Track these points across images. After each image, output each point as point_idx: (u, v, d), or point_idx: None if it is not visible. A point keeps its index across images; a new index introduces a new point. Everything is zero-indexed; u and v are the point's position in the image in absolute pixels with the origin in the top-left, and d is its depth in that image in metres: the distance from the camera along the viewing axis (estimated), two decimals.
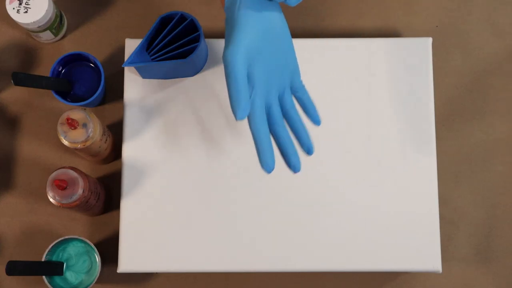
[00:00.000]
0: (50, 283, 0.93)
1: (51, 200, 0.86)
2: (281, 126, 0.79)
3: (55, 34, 1.03)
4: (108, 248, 1.00)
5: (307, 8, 1.06)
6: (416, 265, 0.93)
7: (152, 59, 0.93)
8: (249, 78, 0.76)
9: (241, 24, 0.75)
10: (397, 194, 0.94)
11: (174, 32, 0.93)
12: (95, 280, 0.94)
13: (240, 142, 0.96)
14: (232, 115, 0.96)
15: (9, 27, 1.05)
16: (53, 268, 0.92)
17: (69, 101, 0.98)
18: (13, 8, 0.97)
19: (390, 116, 0.96)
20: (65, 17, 1.04)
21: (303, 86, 0.83)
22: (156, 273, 1.00)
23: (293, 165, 0.78)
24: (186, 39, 0.93)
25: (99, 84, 0.99)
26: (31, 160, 1.02)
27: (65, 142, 0.89)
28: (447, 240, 1.01)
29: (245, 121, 0.96)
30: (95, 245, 1.00)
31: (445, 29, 1.06)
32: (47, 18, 0.98)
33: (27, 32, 1.04)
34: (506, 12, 1.06)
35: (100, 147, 0.93)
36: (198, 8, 1.06)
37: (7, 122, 1.03)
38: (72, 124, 0.88)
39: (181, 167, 0.95)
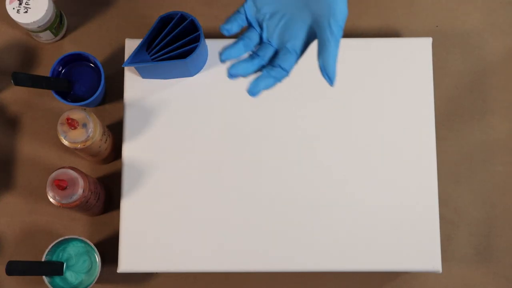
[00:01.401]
0: (50, 283, 0.93)
1: (51, 200, 0.86)
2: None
3: (55, 34, 1.03)
4: (108, 248, 1.00)
5: None
6: (416, 265, 0.93)
7: (152, 59, 0.93)
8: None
9: None
10: (397, 194, 0.94)
11: (174, 32, 0.93)
12: (95, 280, 0.94)
13: (240, 142, 0.96)
14: (235, 117, 0.96)
15: (9, 27, 1.05)
16: (53, 268, 0.92)
17: (69, 101, 0.98)
18: (13, 8, 0.97)
19: (390, 116, 0.96)
20: (65, 17, 1.04)
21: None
22: (156, 273, 1.00)
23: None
24: (186, 39, 0.93)
25: (99, 84, 0.99)
26: (31, 160, 1.02)
27: (65, 142, 0.89)
28: (447, 240, 1.01)
29: (247, 125, 0.96)
30: (95, 245, 1.00)
31: (445, 29, 1.06)
32: (47, 18, 0.98)
33: (27, 32, 1.04)
34: (506, 12, 1.06)
35: (100, 147, 0.93)
36: (198, 8, 1.06)
37: (7, 122, 1.03)
38: (72, 124, 0.88)
39: (181, 167, 0.95)
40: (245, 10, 0.75)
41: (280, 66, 0.73)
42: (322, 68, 0.72)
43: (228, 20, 0.75)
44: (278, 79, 0.74)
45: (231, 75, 0.74)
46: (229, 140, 0.96)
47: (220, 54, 0.74)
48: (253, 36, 0.76)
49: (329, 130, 0.96)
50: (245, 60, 0.74)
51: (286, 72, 0.74)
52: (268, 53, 0.75)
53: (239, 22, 0.75)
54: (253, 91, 0.74)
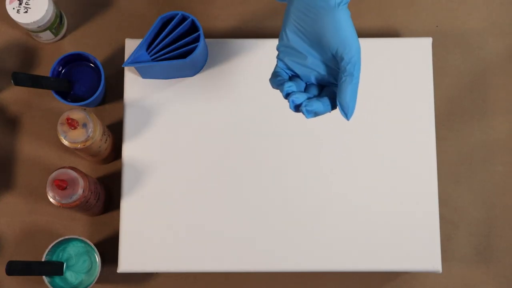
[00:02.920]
0: (50, 283, 0.93)
1: (51, 200, 0.86)
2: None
3: (55, 34, 1.03)
4: (108, 248, 1.00)
5: None
6: (416, 265, 0.93)
7: (152, 59, 0.93)
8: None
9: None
10: (397, 194, 0.94)
11: (174, 32, 0.93)
12: (95, 280, 0.93)
13: (240, 142, 0.96)
14: (235, 117, 0.96)
15: (9, 27, 1.05)
16: (53, 268, 0.92)
17: (69, 101, 0.98)
18: (13, 8, 0.97)
19: (390, 116, 0.96)
20: (65, 17, 1.04)
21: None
22: (156, 273, 1.00)
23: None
24: (186, 39, 0.93)
25: (99, 84, 0.99)
26: (31, 160, 1.02)
27: (65, 142, 0.89)
28: (447, 240, 1.01)
29: (248, 125, 0.96)
30: (95, 245, 1.00)
31: (445, 29, 1.06)
32: (47, 18, 0.98)
33: (27, 32, 1.04)
34: (506, 12, 1.06)
35: (100, 147, 0.93)
36: (198, 8, 1.06)
37: (7, 122, 1.03)
38: (72, 124, 0.87)
39: (181, 167, 0.95)
40: (281, 69, 0.80)
41: (329, 98, 0.78)
42: (340, 107, 0.76)
43: (272, 74, 0.80)
44: (329, 109, 0.78)
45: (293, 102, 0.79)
46: (229, 140, 0.96)
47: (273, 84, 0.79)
48: (299, 82, 0.80)
49: (329, 130, 0.96)
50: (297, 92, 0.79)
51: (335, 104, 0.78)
52: (313, 91, 0.79)
53: (283, 76, 0.79)
54: (308, 110, 0.77)
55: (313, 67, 0.78)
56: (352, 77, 0.75)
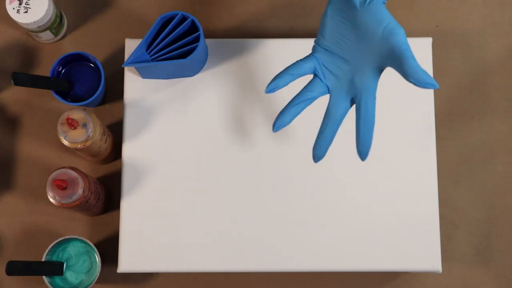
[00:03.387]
0: (50, 283, 0.93)
1: (51, 200, 0.86)
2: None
3: (55, 34, 1.03)
4: (108, 248, 1.00)
5: (308, 8, 1.06)
6: (416, 265, 0.93)
7: (152, 59, 0.93)
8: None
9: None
10: (397, 194, 0.94)
11: (174, 32, 0.93)
12: (95, 280, 0.94)
13: (240, 142, 0.96)
14: (235, 117, 0.96)
15: (9, 27, 1.05)
16: (53, 268, 0.92)
17: (69, 101, 0.98)
18: (13, 8, 0.97)
19: (390, 116, 0.96)
20: (65, 17, 1.04)
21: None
22: (156, 273, 1.00)
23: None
24: (186, 39, 0.93)
25: (99, 84, 0.99)
26: (31, 160, 1.02)
27: (65, 142, 0.89)
28: (447, 240, 1.01)
29: (248, 125, 0.96)
30: (95, 245, 1.00)
31: (445, 29, 1.06)
32: (47, 18, 0.98)
33: (27, 32, 1.04)
34: (506, 12, 1.06)
35: (100, 147, 0.93)
36: (198, 8, 1.06)
37: (7, 122, 1.03)
38: (72, 124, 0.88)
39: (181, 167, 0.95)
40: (316, 59, 0.82)
41: (366, 114, 0.80)
42: (419, 84, 0.76)
43: (296, 65, 0.82)
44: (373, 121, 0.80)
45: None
46: (229, 140, 0.96)
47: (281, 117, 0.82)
48: (319, 89, 0.83)
49: None
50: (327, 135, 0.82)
51: (373, 115, 0.79)
52: (340, 111, 0.82)
53: (301, 71, 0.82)
54: (364, 153, 0.80)
55: (345, 69, 0.81)
56: (412, 56, 0.76)
